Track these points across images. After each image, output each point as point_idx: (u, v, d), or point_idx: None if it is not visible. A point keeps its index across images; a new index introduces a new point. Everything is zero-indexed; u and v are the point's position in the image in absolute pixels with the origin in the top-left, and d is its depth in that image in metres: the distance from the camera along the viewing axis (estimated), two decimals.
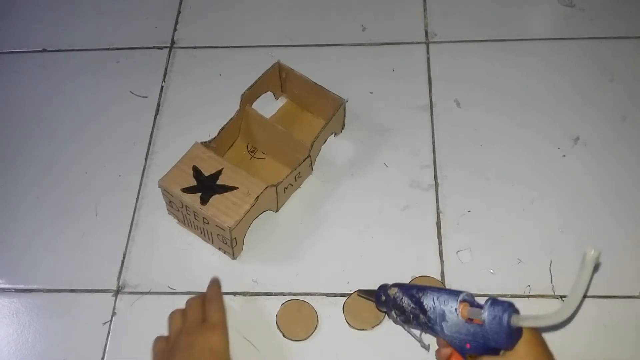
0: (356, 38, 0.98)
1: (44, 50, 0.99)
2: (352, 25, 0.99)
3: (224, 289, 0.76)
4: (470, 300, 0.57)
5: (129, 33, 1.00)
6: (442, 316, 0.57)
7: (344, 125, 0.88)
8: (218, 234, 0.75)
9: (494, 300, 0.54)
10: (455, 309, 0.56)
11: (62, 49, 0.99)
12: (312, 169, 0.84)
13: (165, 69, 0.96)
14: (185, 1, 1.04)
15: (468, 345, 0.56)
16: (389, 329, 0.72)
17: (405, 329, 0.63)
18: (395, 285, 0.64)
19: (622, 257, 0.76)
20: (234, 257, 0.78)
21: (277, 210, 0.82)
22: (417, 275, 0.75)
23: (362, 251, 0.78)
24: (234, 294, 0.76)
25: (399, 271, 0.76)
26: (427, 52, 0.95)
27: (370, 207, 0.82)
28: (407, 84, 0.92)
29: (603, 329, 0.71)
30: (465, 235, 0.79)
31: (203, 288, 0.76)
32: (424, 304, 0.58)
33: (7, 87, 0.96)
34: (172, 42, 0.99)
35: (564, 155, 0.85)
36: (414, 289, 0.60)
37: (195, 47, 0.98)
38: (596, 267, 0.50)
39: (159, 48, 0.98)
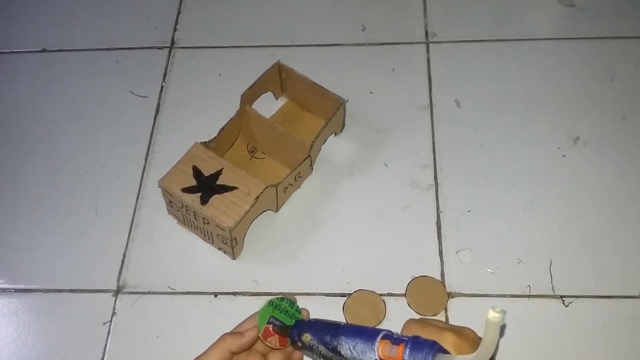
0: (356, 38, 0.98)
1: (44, 50, 0.99)
2: (352, 25, 0.99)
3: (224, 289, 0.76)
4: (390, 336, 0.50)
5: (129, 33, 1.00)
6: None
7: (344, 125, 0.88)
8: (218, 234, 0.75)
9: (415, 340, 0.48)
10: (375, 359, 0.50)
11: (62, 49, 0.99)
12: (312, 169, 0.84)
13: (165, 69, 0.96)
14: (185, 1, 1.04)
15: None
16: (392, 324, 0.72)
17: None
18: (308, 328, 0.56)
19: (622, 257, 0.76)
20: (234, 257, 0.78)
21: (277, 210, 0.82)
22: (417, 275, 0.75)
23: (362, 251, 0.78)
24: (234, 294, 0.76)
25: (399, 271, 0.76)
26: (427, 52, 0.95)
27: (370, 207, 0.82)
28: (407, 84, 0.92)
29: (603, 329, 0.71)
30: (465, 235, 0.79)
31: (203, 288, 0.76)
32: (342, 353, 0.53)
33: (7, 87, 0.96)
34: (172, 42, 0.99)
35: (564, 155, 0.85)
36: (328, 335, 0.54)
37: (195, 47, 0.98)
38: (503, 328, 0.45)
39: (159, 48, 0.98)
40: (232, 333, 0.58)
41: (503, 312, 0.40)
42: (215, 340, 0.57)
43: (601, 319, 0.72)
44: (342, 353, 0.52)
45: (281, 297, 0.59)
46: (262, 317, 0.57)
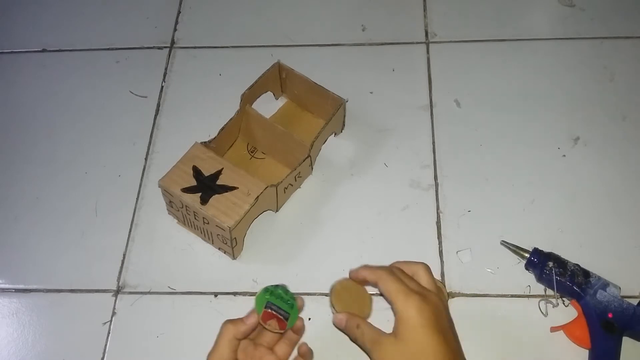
0: (356, 38, 0.98)
1: (44, 50, 0.99)
2: (352, 25, 0.99)
3: (224, 289, 0.76)
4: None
5: (129, 33, 1.00)
6: (604, 286, 0.68)
7: (344, 125, 0.88)
8: (218, 234, 0.75)
9: None
10: (619, 288, 0.69)
11: (62, 49, 0.99)
12: (312, 169, 0.84)
13: (165, 69, 0.96)
14: (185, 1, 1.04)
15: (610, 315, 0.67)
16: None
17: (545, 284, 0.72)
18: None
19: (622, 257, 0.76)
20: (234, 257, 0.78)
21: (277, 210, 0.82)
22: None
23: (362, 251, 0.78)
24: (234, 294, 0.76)
25: None
26: (427, 52, 0.95)
27: (370, 207, 0.82)
28: (407, 84, 0.92)
29: None
30: (465, 235, 0.79)
31: (203, 288, 0.76)
32: (590, 273, 0.70)
33: (7, 87, 0.96)
34: (172, 42, 0.99)
35: (564, 155, 0.85)
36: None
37: (195, 47, 0.98)
38: None
39: (159, 48, 0.98)
40: (232, 320, 0.61)
41: None
42: (219, 331, 0.60)
43: None
44: (591, 272, 0.70)
45: (276, 285, 0.62)
46: (259, 302, 0.60)
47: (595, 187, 0.82)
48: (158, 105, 0.92)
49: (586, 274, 0.70)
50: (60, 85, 0.95)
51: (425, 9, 1.00)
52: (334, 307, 0.66)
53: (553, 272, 0.70)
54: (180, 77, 0.95)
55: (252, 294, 0.76)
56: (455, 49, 0.95)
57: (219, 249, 0.79)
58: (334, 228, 0.80)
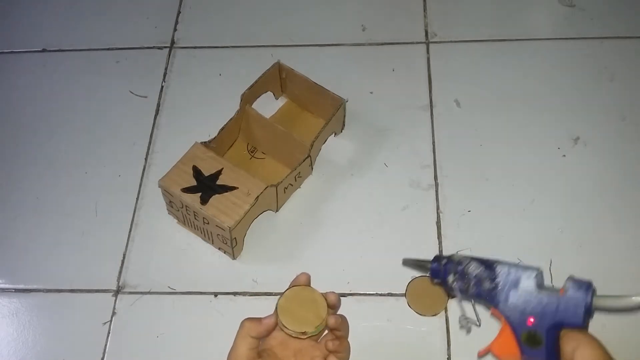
0: (356, 38, 0.98)
1: (44, 50, 0.99)
2: (352, 25, 0.99)
3: (224, 289, 0.76)
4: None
5: (129, 33, 1.00)
6: (515, 284, 0.54)
7: (344, 125, 0.88)
8: (218, 234, 0.75)
9: (575, 278, 0.53)
10: (534, 276, 0.54)
11: (62, 49, 0.99)
12: (312, 169, 0.84)
13: (165, 69, 0.96)
14: (185, 1, 1.04)
15: (531, 320, 0.52)
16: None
17: (459, 299, 0.57)
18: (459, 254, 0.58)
19: (622, 257, 0.76)
20: (234, 257, 0.78)
21: (277, 210, 0.82)
22: (417, 276, 0.75)
23: (362, 251, 0.78)
24: (234, 294, 0.76)
25: (399, 271, 0.76)
26: (427, 52, 0.95)
27: (370, 207, 0.82)
28: (407, 84, 0.92)
29: (603, 329, 0.71)
30: (465, 235, 0.79)
31: (203, 288, 0.76)
32: (497, 269, 0.55)
33: (7, 87, 0.96)
34: (172, 42, 0.99)
35: (564, 155, 0.85)
36: (484, 258, 0.56)
37: (195, 47, 0.98)
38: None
39: (159, 48, 0.98)
40: (251, 319, 0.59)
41: None
42: (238, 329, 0.58)
43: (601, 319, 0.72)
44: (498, 269, 0.55)
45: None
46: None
47: (595, 187, 0.82)
48: (158, 105, 0.92)
49: (492, 274, 0.55)
50: (60, 85, 0.95)
51: (425, 9, 1.00)
52: (285, 327, 0.57)
53: (456, 288, 0.56)
54: (180, 77, 0.95)
55: (252, 294, 0.76)
56: (455, 49, 0.95)
57: (219, 249, 0.79)
58: (334, 228, 0.80)
